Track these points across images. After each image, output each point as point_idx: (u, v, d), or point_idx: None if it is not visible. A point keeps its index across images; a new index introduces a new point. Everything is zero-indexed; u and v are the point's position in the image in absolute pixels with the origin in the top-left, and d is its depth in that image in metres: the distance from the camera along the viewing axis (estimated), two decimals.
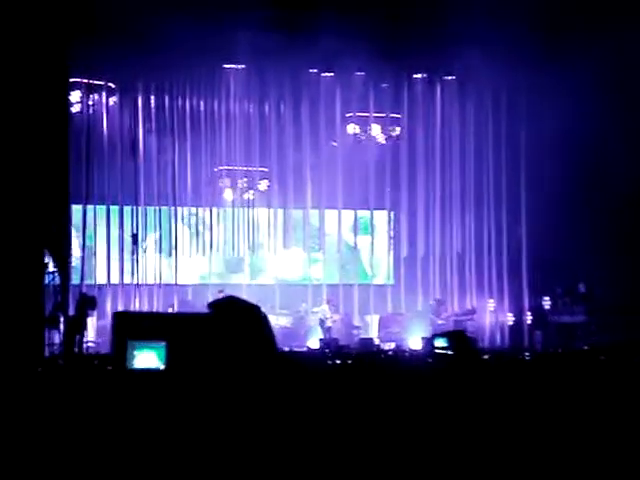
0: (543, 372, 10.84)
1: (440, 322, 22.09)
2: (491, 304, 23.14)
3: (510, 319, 22.99)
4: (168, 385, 5.81)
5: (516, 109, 22.55)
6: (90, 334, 19.58)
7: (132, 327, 6.20)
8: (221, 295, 21.76)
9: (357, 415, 6.69)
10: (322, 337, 21.40)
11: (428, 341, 19.58)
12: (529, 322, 22.52)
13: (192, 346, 5.91)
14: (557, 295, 21.97)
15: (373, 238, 24.41)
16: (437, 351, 10.06)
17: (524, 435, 6.31)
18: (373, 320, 23.25)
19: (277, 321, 21.76)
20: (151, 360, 6.03)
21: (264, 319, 6.18)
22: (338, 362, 13.20)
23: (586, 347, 18.91)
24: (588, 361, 13.69)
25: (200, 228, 23.38)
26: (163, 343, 6.04)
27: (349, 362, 13.42)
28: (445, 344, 9.96)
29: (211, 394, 5.57)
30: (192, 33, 18.67)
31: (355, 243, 24.36)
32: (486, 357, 14.33)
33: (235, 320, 5.91)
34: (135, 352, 6.08)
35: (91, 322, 19.47)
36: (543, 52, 19.29)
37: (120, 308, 21.88)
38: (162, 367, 6.04)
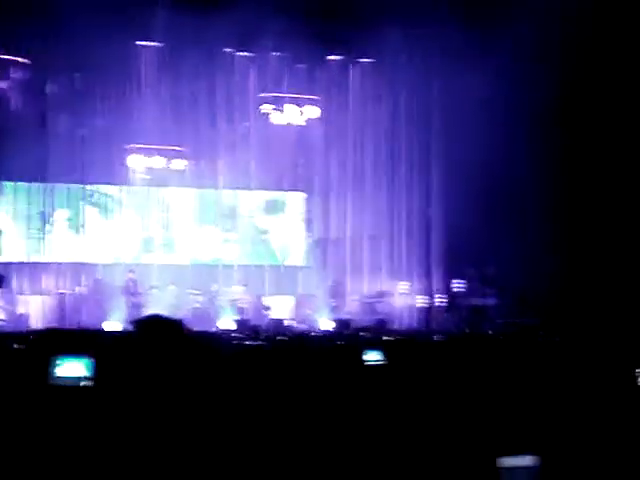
0: (452, 354, 10.96)
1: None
2: (403, 286, 23.31)
3: (421, 302, 23.19)
4: (95, 401, 5.75)
5: (430, 92, 22.71)
6: None
7: (58, 343, 6.16)
8: (132, 275, 21.60)
9: (280, 399, 6.69)
10: (237, 318, 21.32)
11: (341, 324, 19.77)
12: (439, 304, 22.78)
13: (119, 362, 5.87)
14: (467, 278, 22.27)
15: (286, 219, 24.38)
16: (368, 363, 9.34)
17: (437, 417, 6.38)
18: (284, 301, 23.26)
19: (188, 301, 21.67)
20: (76, 369, 5.99)
21: (189, 333, 6.15)
22: (253, 343, 13.16)
23: (490, 332, 19.19)
24: (495, 343, 13.90)
25: (110, 206, 23.06)
26: (89, 358, 6.02)
27: (263, 343, 13.39)
28: (379, 355, 9.43)
29: (141, 409, 5.52)
30: (106, 9, 18.37)
31: (268, 224, 24.30)
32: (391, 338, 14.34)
33: (160, 337, 5.87)
34: (58, 361, 6.03)
35: None
36: (460, 36, 19.41)
37: (26, 287, 21.48)
38: (87, 380, 6.00)
